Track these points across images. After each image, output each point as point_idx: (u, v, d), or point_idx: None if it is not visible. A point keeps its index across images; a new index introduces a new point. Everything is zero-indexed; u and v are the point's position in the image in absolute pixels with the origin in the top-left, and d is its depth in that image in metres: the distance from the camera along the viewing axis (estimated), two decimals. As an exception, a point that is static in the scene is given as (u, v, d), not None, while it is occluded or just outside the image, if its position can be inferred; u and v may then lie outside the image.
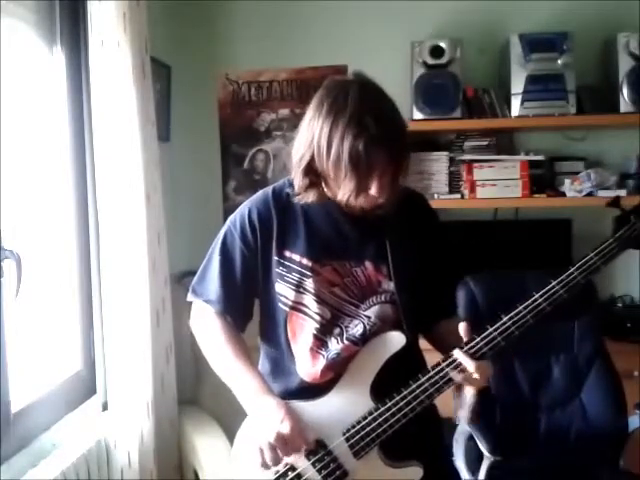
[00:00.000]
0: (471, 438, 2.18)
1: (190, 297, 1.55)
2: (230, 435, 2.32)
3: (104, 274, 2.22)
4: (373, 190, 1.31)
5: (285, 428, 1.33)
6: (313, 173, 1.36)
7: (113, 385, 2.25)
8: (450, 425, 2.16)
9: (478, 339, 1.35)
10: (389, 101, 1.35)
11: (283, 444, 1.33)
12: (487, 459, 2.06)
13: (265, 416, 1.36)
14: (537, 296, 1.35)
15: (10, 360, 1.81)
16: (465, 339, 1.36)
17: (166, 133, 2.95)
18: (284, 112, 3.28)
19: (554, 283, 1.36)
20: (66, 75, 2.21)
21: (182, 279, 2.74)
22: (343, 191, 1.33)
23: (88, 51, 2.16)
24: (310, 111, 1.37)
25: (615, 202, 1.41)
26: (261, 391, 1.40)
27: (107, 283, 2.21)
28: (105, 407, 2.32)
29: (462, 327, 1.36)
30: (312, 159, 1.34)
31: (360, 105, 1.29)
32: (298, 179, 1.39)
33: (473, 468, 2.16)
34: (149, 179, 2.27)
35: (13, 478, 1.77)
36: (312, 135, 1.33)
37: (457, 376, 1.34)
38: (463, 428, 2.24)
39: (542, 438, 2.30)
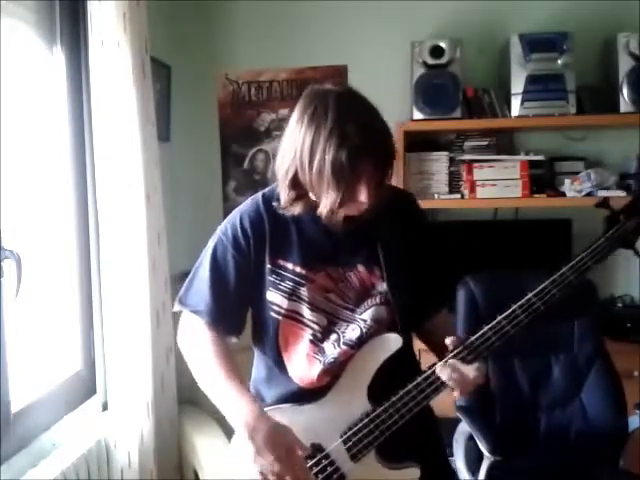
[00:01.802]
0: (471, 438, 2.18)
1: (177, 307, 1.51)
2: (230, 435, 2.32)
3: (104, 274, 2.22)
4: (361, 197, 1.29)
5: (290, 458, 1.30)
6: (299, 186, 1.34)
7: (113, 385, 2.25)
8: (448, 425, 2.16)
9: (473, 338, 1.36)
10: (370, 108, 1.32)
11: (289, 472, 1.30)
12: (487, 459, 2.05)
13: (266, 445, 1.30)
14: (531, 295, 1.37)
15: (10, 360, 1.81)
16: (450, 347, 1.36)
17: (166, 133, 2.95)
18: (284, 112, 3.28)
19: (547, 283, 1.37)
20: (66, 75, 2.21)
21: (182, 279, 2.74)
22: (324, 203, 1.30)
23: (88, 51, 2.16)
24: (292, 122, 1.35)
25: (604, 203, 1.43)
26: (257, 417, 1.34)
27: (107, 283, 2.21)
28: (105, 407, 2.32)
29: (450, 340, 1.36)
30: (297, 172, 1.32)
31: (340, 115, 1.26)
32: (284, 193, 1.37)
33: (473, 468, 2.16)
34: (149, 179, 2.27)
35: (13, 478, 1.77)
36: (295, 147, 1.31)
37: (450, 381, 1.34)
38: (463, 428, 2.24)
39: (542, 438, 2.30)
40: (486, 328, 1.36)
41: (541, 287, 1.37)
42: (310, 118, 1.29)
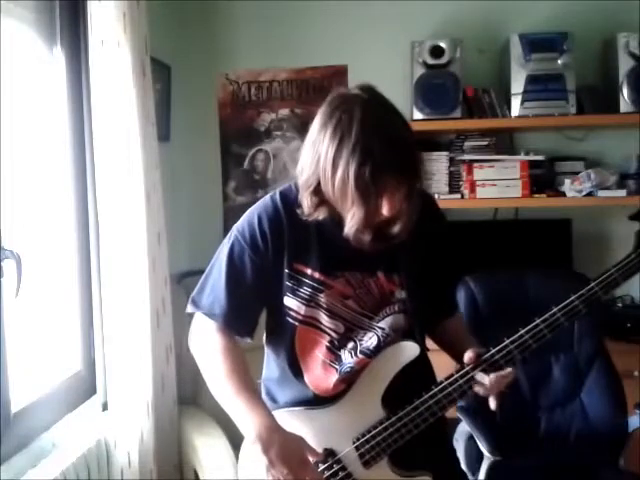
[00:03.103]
0: (471, 438, 2.18)
1: (190, 309, 1.46)
2: (230, 435, 2.32)
3: (104, 274, 2.22)
4: (385, 210, 1.26)
5: (304, 470, 1.29)
6: (322, 192, 1.31)
7: (113, 385, 2.24)
8: (449, 425, 2.16)
9: (494, 351, 1.35)
10: (396, 117, 1.28)
11: None
12: (487, 459, 2.05)
13: (279, 458, 1.28)
14: (555, 310, 1.35)
15: (10, 360, 1.81)
16: (470, 365, 1.35)
17: (166, 133, 2.95)
18: (284, 112, 3.28)
19: (573, 297, 1.35)
20: (66, 75, 2.21)
21: (182, 279, 2.74)
22: (351, 222, 1.27)
23: (88, 51, 2.16)
24: (314, 129, 1.30)
25: (638, 215, 1.40)
26: (269, 430, 1.31)
27: (107, 283, 2.21)
28: (105, 407, 2.31)
29: (468, 356, 1.35)
30: (319, 182, 1.29)
31: (365, 127, 1.22)
32: (307, 200, 1.33)
33: (473, 468, 2.16)
34: (149, 179, 2.27)
35: (13, 478, 1.77)
36: (318, 158, 1.28)
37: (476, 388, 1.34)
38: (463, 428, 2.24)
39: (542, 438, 2.30)
40: (508, 341, 1.35)
41: (567, 302, 1.34)
42: (334, 128, 1.25)
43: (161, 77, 2.89)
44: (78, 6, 2.23)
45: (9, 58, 1.90)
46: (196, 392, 2.60)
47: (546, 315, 1.35)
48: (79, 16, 2.24)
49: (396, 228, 1.30)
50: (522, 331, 1.35)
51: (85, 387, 2.27)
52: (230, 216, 3.25)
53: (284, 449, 1.29)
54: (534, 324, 1.35)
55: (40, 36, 2.11)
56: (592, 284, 1.35)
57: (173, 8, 3.05)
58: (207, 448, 2.37)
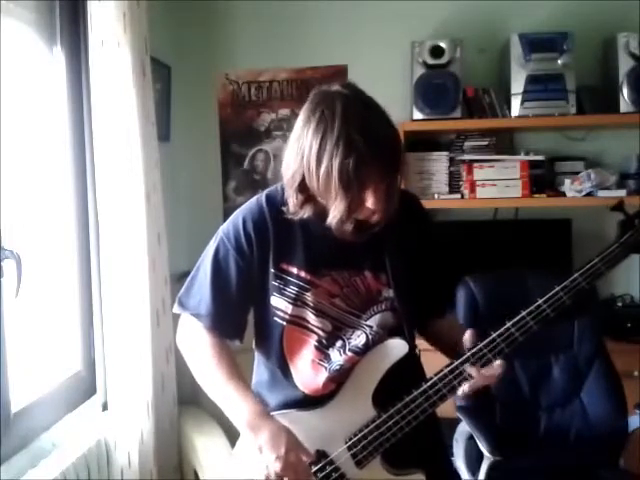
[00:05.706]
0: (471, 438, 2.18)
1: (177, 309, 1.49)
2: (230, 435, 2.32)
3: (104, 274, 2.22)
4: (369, 203, 1.27)
5: (292, 458, 1.30)
6: (307, 189, 1.33)
7: (113, 385, 2.25)
8: (448, 425, 2.16)
9: (481, 345, 1.35)
10: (379, 112, 1.30)
11: (289, 472, 1.30)
12: (487, 459, 2.05)
13: (267, 444, 1.31)
14: (541, 302, 1.34)
15: (10, 360, 1.81)
16: (469, 345, 1.35)
17: (166, 133, 2.95)
18: (284, 112, 3.28)
19: (558, 289, 1.34)
20: (66, 75, 2.21)
21: (182, 279, 2.74)
22: (333, 214, 1.29)
23: (88, 51, 2.16)
24: (298, 125, 1.32)
25: (619, 206, 1.38)
26: (259, 417, 1.34)
27: (107, 283, 2.21)
28: (105, 407, 2.32)
29: (468, 334, 1.36)
30: (304, 177, 1.31)
31: (347, 122, 1.24)
32: (293, 197, 1.35)
33: (473, 468, 2.16)
34: (149, 179, 2.27)
35: (13, 478, 1.77)
36: (302, 153, 1.29)
37: (464, 385, 1.34)
38: (463, 428, 2.24)
39: (542, 438, 2.30)
40: (495, 335, 1.35)
41: (551, 293, 1.34)
42: (317, 123, 1.27)
43: (161, 77, 2.89)
44: (78, 6, 2.23)
45: (9, 58, 1.90)
46: (196, 392, 2.59)
47: (531, 307, 1.34)
48: (79, 16, 2.24)
49: (375, 218, 1.32)
50: (508, 324, 1.35)
51: (85, 387, 2.27)
52: (230, 216, 3.24)
53: (272, 435, 1.31)
54: (520, 317, 1.35)
55: (40, 36, 2.11)
56: (575, 275, 1.34)
57: (173, 8, 3.05)
58: (207, 448, 2.38)
